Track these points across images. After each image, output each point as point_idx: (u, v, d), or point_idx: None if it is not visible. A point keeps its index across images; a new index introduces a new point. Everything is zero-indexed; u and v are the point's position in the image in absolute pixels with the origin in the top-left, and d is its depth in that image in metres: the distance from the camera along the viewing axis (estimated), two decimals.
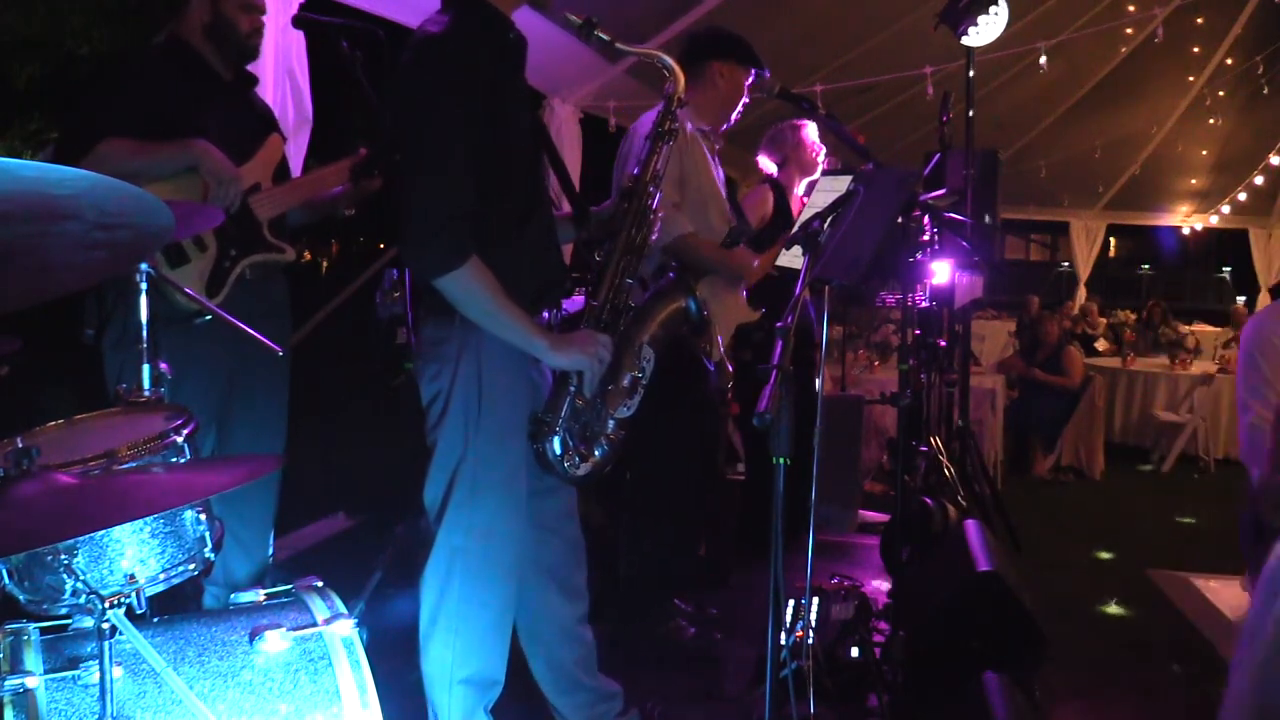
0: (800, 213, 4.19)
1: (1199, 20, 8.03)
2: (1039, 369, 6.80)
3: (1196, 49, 8.74)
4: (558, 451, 2.17)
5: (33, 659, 1.40)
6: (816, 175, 4.22)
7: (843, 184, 3.11)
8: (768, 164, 4.29)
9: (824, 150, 4.28)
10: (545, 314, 2.22)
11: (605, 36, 2.18)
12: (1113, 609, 4.09)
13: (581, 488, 2.38)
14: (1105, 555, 4.79)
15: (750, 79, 3.31)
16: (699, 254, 3.13)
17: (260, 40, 2.64)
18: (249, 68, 2.72)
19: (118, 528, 1.51)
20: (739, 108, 3.34)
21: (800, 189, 4.22)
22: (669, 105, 2.31)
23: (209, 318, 2.37)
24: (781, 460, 1.88)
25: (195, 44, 2.54)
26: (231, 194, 2.43)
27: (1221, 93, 9.36)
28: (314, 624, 1.58)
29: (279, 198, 2.61)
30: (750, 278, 3.38)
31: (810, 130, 4.23)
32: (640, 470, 3.32)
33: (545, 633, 2.39)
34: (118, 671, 1.38)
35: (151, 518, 1.55)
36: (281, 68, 3.41)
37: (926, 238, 3.74)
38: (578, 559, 2.42)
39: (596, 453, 2.21)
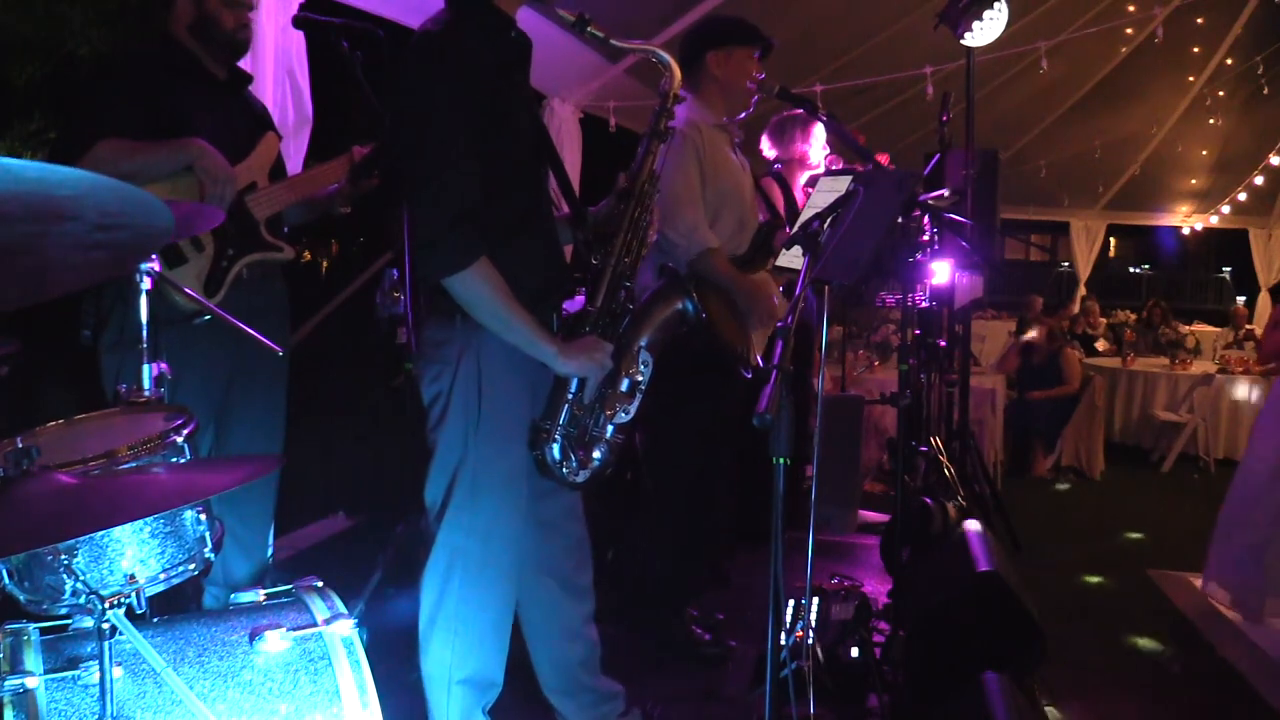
0: (803, 205, 4.19)
1: (1199, 20, 8.02)
2: (1036, 370, 6.82)
3: (1196, 49, 8.73)
4: (556, 457, 2.17)
5: (33, 659, 1.40)
6: (819, 171, 4.22)
7: (843, 184, 3.10)
8: (769, 150, 4.28)
9: (827, 151, 4.27)
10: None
11: (599, 33, 2.17)
12: (1113, 609, 4.10)
13: (586, 490, 2.37)
14: (1105, 555, 4.79)
15: (756, 54, 3.17)
16: (719, 272, 3.03)
17: (249, 35, 2.63)
18: (244, 66, 2.72)
19: (118, 528, 1.51)
20: (749, 88, 3.18)
21: (803, 179, 4.21)
22: (664, 103, 2.29)
23: (208, 318, 2.37)
24: (781, 460, 1.87)
25: (186, 43, 2.54)
26: (227, 193, 2.42)
27: (1221, 93, 9.35)
28: (314, 624, 1.58)
29: (275, 196, 2.61)
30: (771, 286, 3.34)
31: (817, 136, 4.20)
32: (643, 476, 3.31)
33: (550, 632, 2.39)
34: (118, 671, 1.38)
35: (151, 518, 1.55)
36: (281, 68, 3.41)
37: (926, 238, 3.73)
38: (582, 558, 2.42)
39: (595, 458, 2.20)
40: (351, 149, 2.69)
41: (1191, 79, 9.30)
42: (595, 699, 2.44)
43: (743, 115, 3.28)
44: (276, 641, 1.52)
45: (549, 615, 2.38)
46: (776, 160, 4.30)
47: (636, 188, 2.26)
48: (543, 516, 2.30)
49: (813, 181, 4.21)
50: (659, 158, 2.29)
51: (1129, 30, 7.86)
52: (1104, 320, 10.04)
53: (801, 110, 4.08)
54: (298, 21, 2.89)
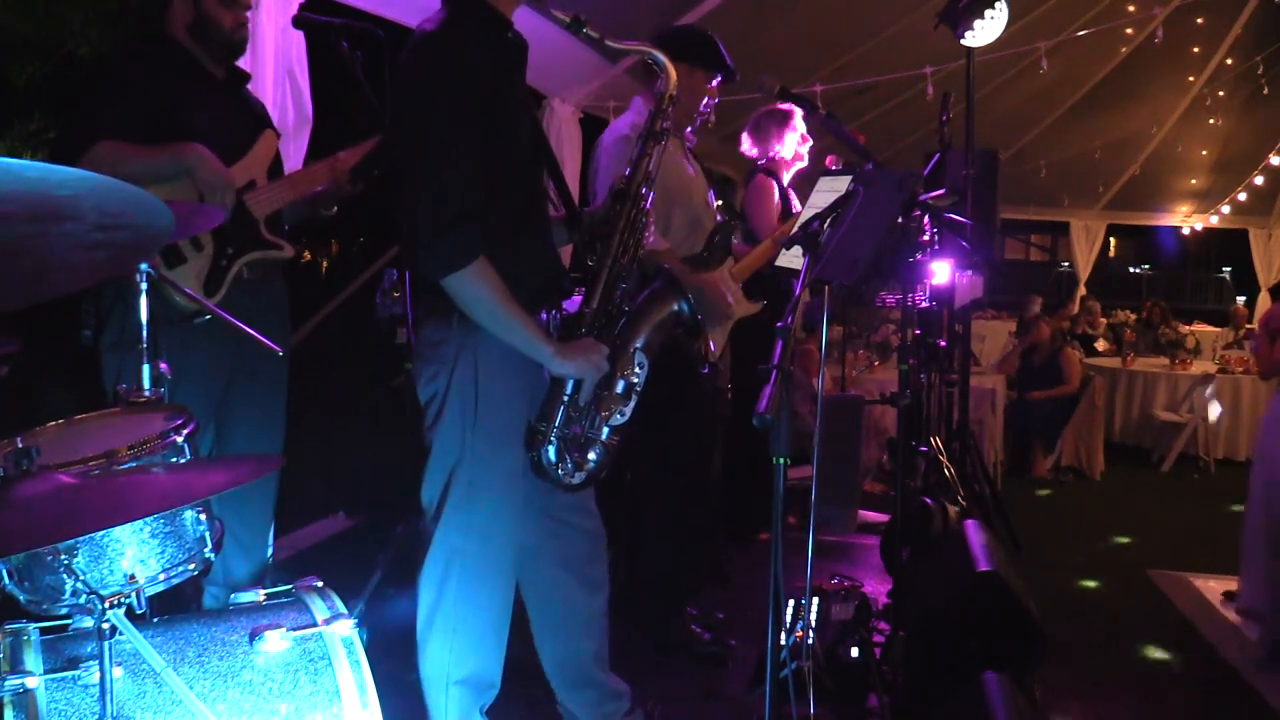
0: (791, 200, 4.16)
1: (1199, 20, 8.02)
2: (1036, 370, 6.82)
3: (1196, 49, 8.73)
4: (552, 459, 2.17)
5: (33, 659, 1.40)
6: (804, 164, 4.17)
7: (843, 184, 3.09)
8: (750, 149, 4.22)
9: (809, 144, 4.19)
10: (544, 315, 2.21)
11: (594, 34, 2.16)
12: (1112, 609, 4.10)
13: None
14: (1105, 556, 4.79)
15: (714, 82, 3.17)
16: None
17: (246, 35, 2.63)
18: (244, 65, 2.72)
19: (118, 528, 1.50)
20: (700, 110, 3.19)
21: (787, 178, 4.18)
22: (660, 104, 2.28)
23: (208, 317, 2.37)
24: (781, 460, 1.86)
25: (184, 43, 2.54)
26: (226, 200, 2.42)
27: (1221, 93, 9.35)
28: (314, 624, 1.58)
29: (274, 194, 2.60)
30: (738, 278, 3.35)
31: (792, 132, 4.12)
32: (638, 476, 3.31)
33: (562, 625, 2.38)
34: (118, 671, 1.38)
35: (151, 518, 1.55)
36: (281, 68, 3.41)
37: (926, 238, 3.73)
38: (594, 550, 2.41)
39: (591, 459, 2.20)
40: (337, 154, 2.67)
41: (1191, 79, 9.29)
42: (602, 695, 2.44)
43: (689, 130, 3.27)
44: (276, 641, 1.52)
45: (562, 608, 2.37)
46: (760, 154, 4.23)
47: (632, 189, 2.26)
48: (553, 510, 2.30)
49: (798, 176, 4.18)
50: (654, 159, 2.28)
51: (1129, 30, 7.86)
52: (1104, 320, 10.04)
53: (782, 107, 4.05)
54: (298, 21, 2.90)
